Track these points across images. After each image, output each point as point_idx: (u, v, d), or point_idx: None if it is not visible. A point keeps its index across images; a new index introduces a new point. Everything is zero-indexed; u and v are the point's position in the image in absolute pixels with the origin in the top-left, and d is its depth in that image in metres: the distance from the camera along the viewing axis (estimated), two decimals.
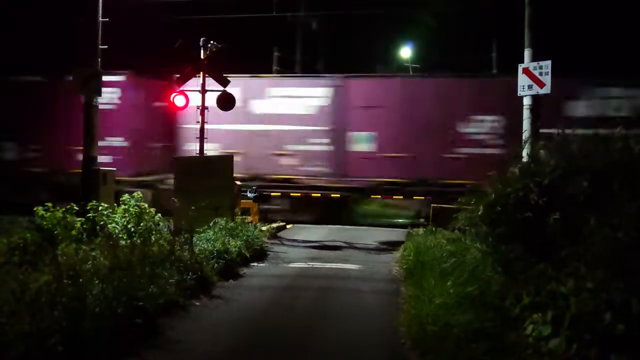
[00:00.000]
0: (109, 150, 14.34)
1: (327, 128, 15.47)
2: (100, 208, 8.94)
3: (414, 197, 15.09)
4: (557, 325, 4.35)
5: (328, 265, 9.64)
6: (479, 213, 6.35)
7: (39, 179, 15.18)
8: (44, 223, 8.15)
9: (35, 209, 8.56)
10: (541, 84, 9.85)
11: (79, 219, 8.77)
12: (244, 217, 12.04)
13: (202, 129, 12.23)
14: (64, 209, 8.70)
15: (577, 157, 5.94)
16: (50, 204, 8.70)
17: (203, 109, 12.24)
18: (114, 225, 8.65)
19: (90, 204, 9.09)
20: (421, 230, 11.32)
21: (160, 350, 5.03)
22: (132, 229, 8.33)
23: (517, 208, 5.90)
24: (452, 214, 7.88)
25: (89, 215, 8.79)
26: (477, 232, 6.68)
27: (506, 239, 6.03)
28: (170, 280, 6.45)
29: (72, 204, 9.00)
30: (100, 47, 11.44)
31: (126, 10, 12.94)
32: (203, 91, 12.30)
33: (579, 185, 5.56)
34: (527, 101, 10.26)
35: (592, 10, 19.41)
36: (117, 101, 15.22)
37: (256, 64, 18.40)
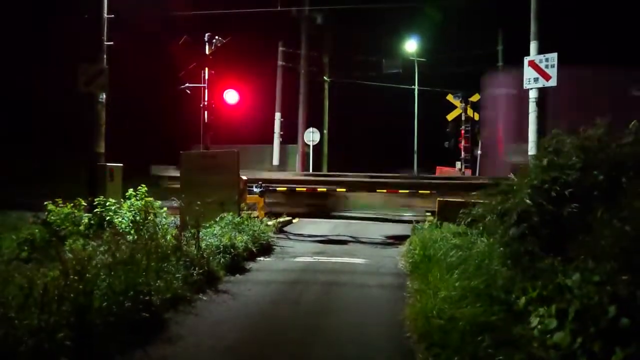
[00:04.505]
0: None
1: None
2: (107, 203, 9.02)
3: None
4: (562, 319, 4.34)
5: (334, 259, 9.66)
6: (500, 207, 6.35)
7: None
8: (52, 219, 8.23)
9: (45, 203, 8.66)
10: (547, 77, 9.75)
11: (87, 214, 8.86)
12: (250, 212, 12.07)
13: (206, 124, 12.26)
14: (71, 205, 8.79)
15: (595, 151, 5.93)
16: (60, 200, 8.79)
17: (209, 104, 12.28)
18: (120, 220, 8.71)
19: (98, 199, 9.17)
20: (427, 224, 11.31)
21: (167, 345, 5.05)
22: (140, 223, 8.36)
23: (542, 201, 5.90)
24: (458, 207, 7.87)
25: (97, 210, 8.86)
26: (492, 226, 6.68)
27: (522, 234, 6.00)
28: (177, 275, 6.48)
29: (80, 199, 9.09)
30: (106, 43, 11.47)
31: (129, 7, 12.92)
32: (209, 88, 12.33)
33: (595, 179, 5.56)
34: (533, 94, 10.17)
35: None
36: None
37: (259, 60, 18.26)
